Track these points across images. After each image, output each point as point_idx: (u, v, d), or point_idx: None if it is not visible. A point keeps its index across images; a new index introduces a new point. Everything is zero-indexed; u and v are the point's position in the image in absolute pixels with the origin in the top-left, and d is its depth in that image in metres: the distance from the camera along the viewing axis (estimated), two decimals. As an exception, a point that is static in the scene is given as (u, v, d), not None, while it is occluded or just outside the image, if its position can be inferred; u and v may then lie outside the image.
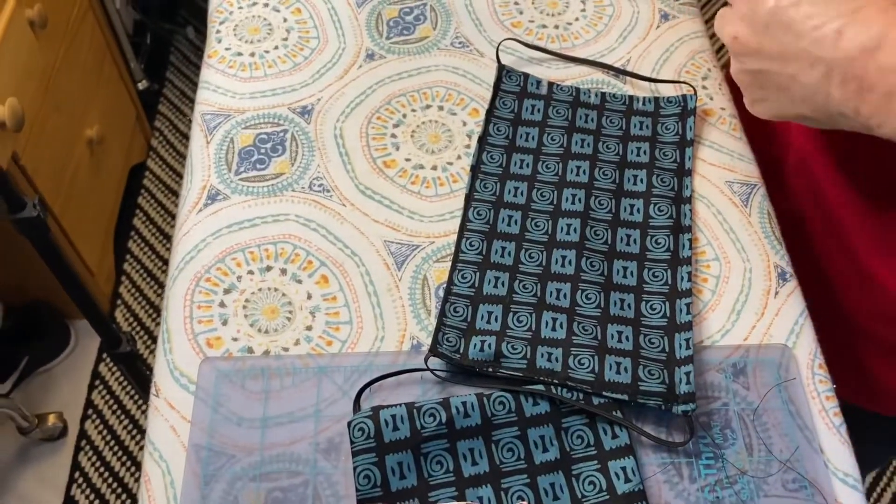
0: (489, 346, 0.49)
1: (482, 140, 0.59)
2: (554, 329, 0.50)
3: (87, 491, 1.38)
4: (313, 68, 0.65)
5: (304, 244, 0.55)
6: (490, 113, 0.61)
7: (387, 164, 0.60)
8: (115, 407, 1.48)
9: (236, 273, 0.54)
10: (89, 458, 1.41)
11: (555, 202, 0.56)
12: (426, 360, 0.49)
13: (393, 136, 0.61)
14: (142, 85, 1.79)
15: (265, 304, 0.53)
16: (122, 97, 1.66)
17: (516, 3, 0.70)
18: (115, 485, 1.39)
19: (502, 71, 0.63)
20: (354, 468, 0.45)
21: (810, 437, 0.47)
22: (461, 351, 0.49)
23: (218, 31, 0.68)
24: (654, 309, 0.52)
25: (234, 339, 0.51)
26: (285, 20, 0.68)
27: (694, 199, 0.58)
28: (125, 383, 1.50)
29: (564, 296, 0.52)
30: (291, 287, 0.53)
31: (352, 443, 0.46)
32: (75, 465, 1.40)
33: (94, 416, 1.47)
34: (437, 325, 0.51)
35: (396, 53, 0.66)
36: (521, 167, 0.58)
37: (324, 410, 0.49)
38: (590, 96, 0.62)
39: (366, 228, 0.56)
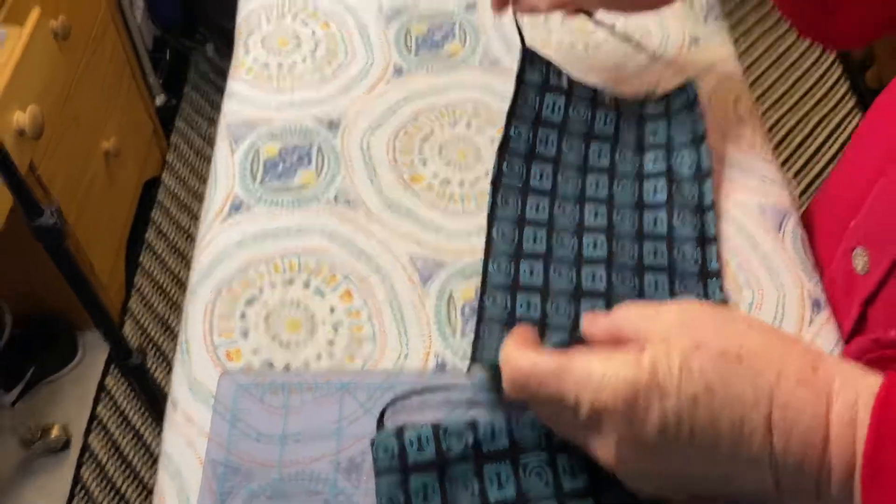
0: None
1: (503, 147, 0.57)
2: None
3: (89, 506, 1.36)
4: (341, 81, 0.64)
5: (328, 257, 0.54)
6: (511, 112, 0.58)
7: (414, 179, 0.59)
8: (120, 421, 1.47)
9: (258, 284, 0.53)
10: (92, 472, 1.39)
11: (578, 218, 0.55)
12: (469, 368, 0.48)
13: (420, 151, 0.60)
14: (159, 100, 1.79)
15: (287, 318, 0.52)
16: (140, 111, 1.67)
17: (545, 23, 0.69)
18: (116, 500, 1.37)
19: (525, 55, 0.59)
20: (377, 489, 0.44)
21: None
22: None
23: (246, 43, 0.67)
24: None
25: (255, 353, 0.50)
26: (314, 33, 0.68)
27: (726, 222, 0.56)
28: (132, 397, 1.48)
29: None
30: (314, 301, 0.52)
31: (375, 462, 0.44)
32: (77, 479, 1.38)
33: (99, 430, 1.45)
34: (474, 338, 0.49)
35: (425, 69, 0.66)
36: (540, 179, 0.56)
37: (345, 428, 0.47)
38: (605, 97, 0.60)
39: (391, 243, 0.55)
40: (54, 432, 1.39)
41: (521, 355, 0.40)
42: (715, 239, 0.54)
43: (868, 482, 0.33)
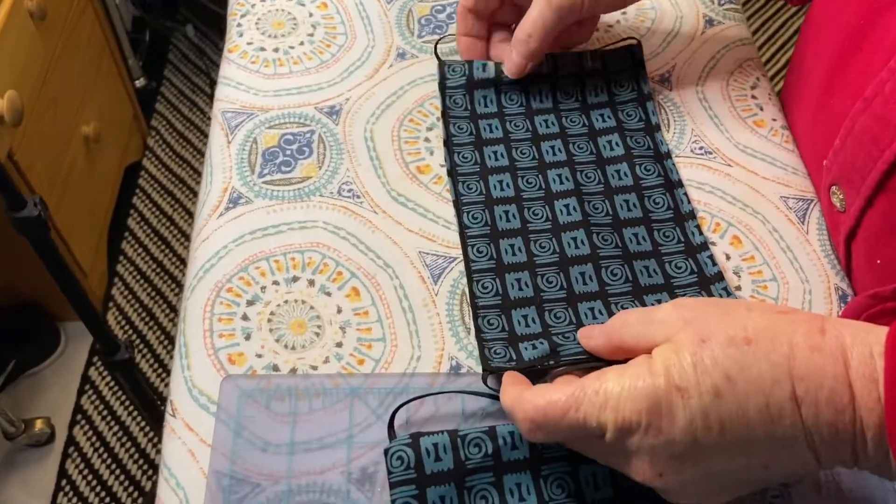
0: (541, 342, 0.47)
1: (448, 142, 0.56)
2: (595, 318, 0.49)
3: (74, 499, 1.33)
4: (341, 66, 0.61)
5: (333, 253, 0.51)
6: (445, 114, 0.58)
7: (420, 170, 0.56)
8: (105, 413, 1.43)
9: (260, 283, 0.50)
10: (77, 466, 1.36)
11: (543, 186, 0.55)
12: (485, 381, 0.46)
13: (427, 139, 0.58)
14: (139, 82, 1.74)
15: (292, 318, 0.49)
16: (120, 94, 1.62)
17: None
18: (102, 493, 1.34)
19: (443, 67, 0.60)
20: (392, 501, 0.41)
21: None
22: (514, 358, 0.46)
23: (239, 25, 0.64)
24: (680, 268, 0.51)
25: (259, 356, 0.47)
26: (311, 14, 0.65)
27: (749, 214, 0.54)
28: (116, 389, 1.45)
29: (590, 278, 0.50)
30: (320, 300, 0.50)
31: (389, 473, 0.42)
32: (62, 472, 1.35)
33: (83, 422, 1.42)
34: (478, 343, 0.47)
35: (429, 53, 0.62)
36: (496, 159, 0.56)
37: (356, 436, 0.45)
38: (540, 66, 0.59)
39: (399, 238, 0.52)
40: (38, 425, 1.36)
41: (532, 395, 0.39)
42: (681, 183, 0.55)
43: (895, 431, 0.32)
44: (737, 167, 0.57)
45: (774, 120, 0.60)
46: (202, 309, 0.49)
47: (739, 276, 0.51)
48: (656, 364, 0.36)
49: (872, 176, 0.45)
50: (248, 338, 0.48)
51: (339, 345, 0.48)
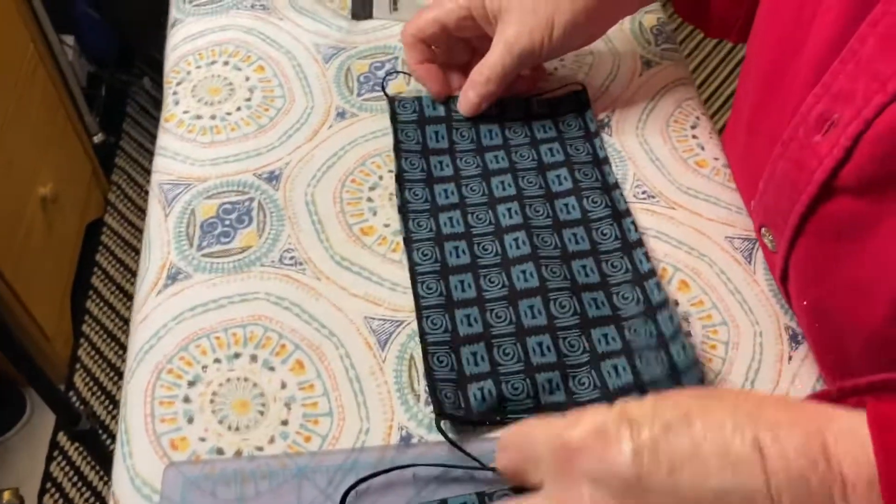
0: (489, 392, 0.46)
1: (399, 177, 0.57)
2: (543, 354, 0.48)
3: (47, 572, 1.29)
4: (280, 130, 0.61)
5: (276, 325, 0.50)
6: (398, 148, 0.58)
7: (364, 232, 0.55)
8: (75, 479, 1.40)
9: (201, 362, 0.49)
10: (48, 537, 1.32)
11: (493, 221, 0.55)
12: (438, 425, 0.45)
13: (369, 199, 0.57)
14: (97, 138, 1.72)
15: (235, 397, 0.47)
16: (77, 152, 1.60)
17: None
18: (76, 563, 1.31)
19: (393, 103, 0.61)
20: (343, 587, 0.40)
21: None
22: (463, 405, 0.46)
23: (175, 93, 0.63)
24: (627, 298, 0.51)
25: (202, 440, 0.46)
26: (248, 79, 0.64)
27: (695, 258, 0.54)
28: (86, 454, 1.41)
29: (539, 311, 0.50)
30: (264, 376, 0.48)
31: (339, 557, 0.41)
32: (33, 546, 1.32)
33: (53, 490, 1.38)
34: (429, 384, 0.46)
35: (369, 111, 0.62)
36: (447, 196, 0.56)
37: (305, 518, 0.43)
38: (490, 108, 0.60)
39: (343, 304, 0.51)
40: (6, 497, 1.32)
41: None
42: (628, 212, 0.55)
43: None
44: (680, 209, 0.56)
45: (716, 159, 0.60)
46: (143, 393, 0.48)
47: (689, 322, 0.51)
48: (614, 406, 0.36)
49: (792, 218, 0.45)
50: (190, 421, 0.47)
51: (284, 423, 0.47)
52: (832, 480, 0.31)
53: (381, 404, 0.47)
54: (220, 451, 0.46)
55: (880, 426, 0.31)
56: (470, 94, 0.58)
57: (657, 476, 0.33)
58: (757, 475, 0.32)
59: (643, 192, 0.57)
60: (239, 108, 0.62)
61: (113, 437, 1.42)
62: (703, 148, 0.60)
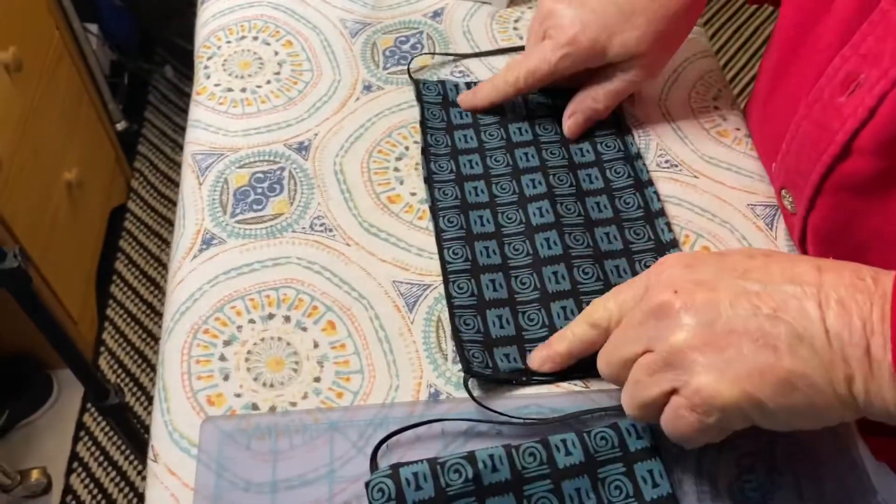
0: (514, 358, 0.48)
1: (426, 151, 0.58)
2: (567, 319, 0.49)
3: (74, 549, 1.32)
4: (308, 102, 0.62)
5: (307, 288, 0.52)
6: (424, 124, 0.60)
7: (391, 200, 0.56)
8: (101, 459, 1.42)
9: (236, 323, 0.50)
10: (75, 515, 1.35)
11: (517, 191, 0.56)
12: (465, 383, 0.46)
13: (396, 169, 0.58)
14: (120, 126, 1.75)
15: (269, 356, 0.49)
16: (101, 139, 1.63)
17: (515, 28, 0.67)
18: (102, 541, 1.33)
19: (419, 85, 0.62)
20: (376, 533, 0.41)
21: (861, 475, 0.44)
22: (490, 365, 0.48)
23: (206, 67, 0.65)
24: (649, 265, 0.51)
25: (238, 396, 0.48)
26: (276, 53, 0.65)
27: (717, 224, 0.55)
28: (111, 433, 1.44)
29: (563, 277, 0.51)
30: (296, 335, 0.50)
31: (371, 505, 0.42)
32: (61, 523, 1.34)
33: (80, 470, 1.41)
34: (456, 344, 0.48)
35: (395, 84, 0.63)
36: (471, 167, 0.58)
37: (338, 471, 0.45)
38: (516, 98, 0.61)
39: (373, 269, 0.53)
40: (34, 476, 1.35)
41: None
42: (651, 182, 0.56)
43: None
44: (703, 178, 0.57)
45: (738, 129, 0.60)
46: (180, 352, 0.49)
47: (711, 286, 0.52)
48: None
49: (812, 178, 0.46)
50: (226, 378, 0.48)
51: (317, 379, 0.48)
52: (877, 295, 0.35)
53: (409, 363, 0.49)
54: (254, 407, 0.47)
55: None
56: (579, 116, 0.58)
57: (733, 272, 0.38)
58: (811, 276, 0.36)
59: (666, 162, 0.58)
60: (269, 82, 0.63)
61: (137, 418, 1.45)
62: (724, 119, 0.61)
